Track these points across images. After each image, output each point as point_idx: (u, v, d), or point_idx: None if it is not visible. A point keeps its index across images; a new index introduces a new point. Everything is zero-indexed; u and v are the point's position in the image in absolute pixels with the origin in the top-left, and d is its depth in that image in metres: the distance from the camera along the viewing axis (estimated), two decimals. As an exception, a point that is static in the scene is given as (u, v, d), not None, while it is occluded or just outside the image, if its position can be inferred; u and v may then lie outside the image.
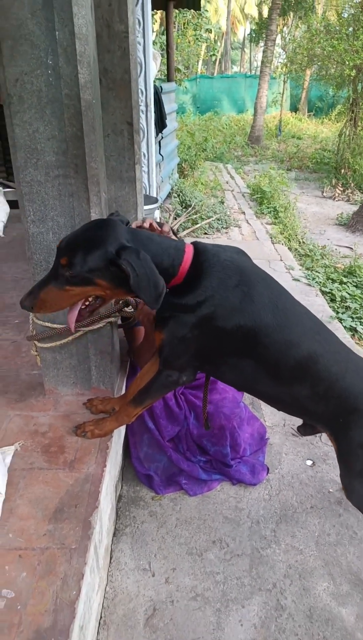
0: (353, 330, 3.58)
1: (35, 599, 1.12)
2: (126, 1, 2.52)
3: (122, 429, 1.96)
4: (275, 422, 2.42)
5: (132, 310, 1.81)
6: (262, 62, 13.83)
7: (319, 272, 4.52)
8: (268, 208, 6.76)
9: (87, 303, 1.40)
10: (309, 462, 2.18)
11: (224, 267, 1.40)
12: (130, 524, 1.85)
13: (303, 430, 1.79)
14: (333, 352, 1.48)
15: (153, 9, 6.61)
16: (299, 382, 1.47)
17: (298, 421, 2.19)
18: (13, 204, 4.27)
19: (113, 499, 1.76)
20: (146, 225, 1.61)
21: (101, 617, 1.51)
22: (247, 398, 2.43)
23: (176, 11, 10.02)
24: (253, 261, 1.55)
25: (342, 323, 3.58)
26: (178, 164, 8.37)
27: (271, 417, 2.43)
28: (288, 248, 5.30)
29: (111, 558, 1.69)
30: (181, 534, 1.82)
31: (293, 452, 2.24)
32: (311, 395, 1.48)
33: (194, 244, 1.45)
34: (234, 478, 2.02)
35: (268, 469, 2.10)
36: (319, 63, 10.21)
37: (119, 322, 1.94)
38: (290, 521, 1.89)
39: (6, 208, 4.07)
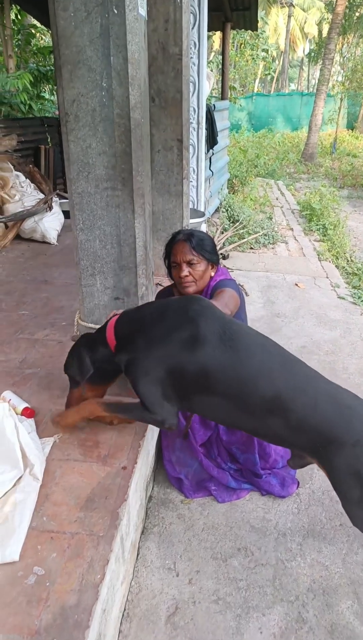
0: (398, 351, 3.48)
1: (63, 578, 1.20)
2: (182, 26, 2.67)
3: (156, 430, 2.03)
4: (309, 437, 2.40)
5: None
6: (319, 80, 13.80)
7: (366, 291, 4.44)
8: (317, 225, 6.71)
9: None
10: (341, 479, 2.15)
11: (151, 315, 1.59)
12: (158, 524, 1.90)
13: (292, 463, 1.77)
14: (301, 382, 1.48)
15: (210, 30, 6.82)
16: (270, 414, 1.48)
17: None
18: (67, 215, 4.52)
19: (143, 497, 1.83)
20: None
21: (125, 610, 1.56)
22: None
23: (234, 31, 10.24)
24: (204, 302, 1.60)
25: (386, 343, 3.50)
26: (229, 180, 8.48)
27: (305, 432, 2.43)
28: (335, 266, 5.23)
29: (137, 554, 1.75)
30: (207, 538, 1.85)
31: (325, 468, 2.22)
32: (285, 426, 1.48)
33: (119, 315, 1.68)
34: (263, 489, 2.03)
35: (298, 482, 2.10)
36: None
37: None
38: (317, 537, 1.88)
39: (61, 218, 4.31)
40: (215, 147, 5.52)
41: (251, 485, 2.05)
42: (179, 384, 1.52)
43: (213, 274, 1.98)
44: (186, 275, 1.88)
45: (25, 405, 1.80)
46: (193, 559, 1.76)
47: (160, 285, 2.36)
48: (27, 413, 1.77)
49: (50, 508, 1.41)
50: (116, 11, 1.39)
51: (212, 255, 1.94)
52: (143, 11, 1.49)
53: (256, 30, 8.38)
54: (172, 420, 1.57)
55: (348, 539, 1.87)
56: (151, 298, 1.84)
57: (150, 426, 1.83)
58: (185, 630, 1.53)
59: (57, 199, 4.58)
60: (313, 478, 2.16)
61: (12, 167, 4.28)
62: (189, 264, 1.88)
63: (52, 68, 8.88)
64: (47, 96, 10.61)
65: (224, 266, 4.21)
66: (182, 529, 1.88)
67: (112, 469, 1.57)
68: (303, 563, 1.77)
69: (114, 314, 1.70)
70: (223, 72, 6.94)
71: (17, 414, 1.71)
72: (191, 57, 4.19)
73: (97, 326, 1.80)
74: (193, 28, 4.08)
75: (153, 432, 1.92)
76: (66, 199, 4.73)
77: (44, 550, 1.28)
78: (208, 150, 5.18)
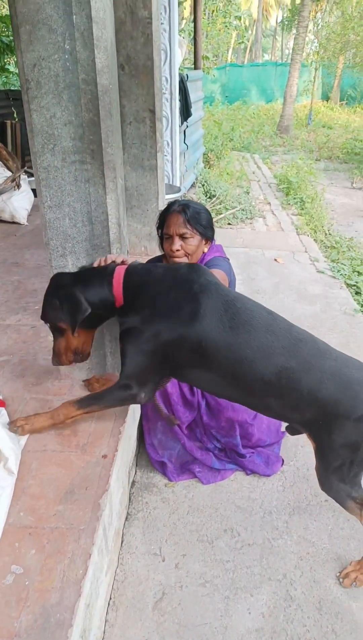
0: (377, 324, 3.49)
1: (43, 576, 1.15)
2: (150, -14, 2.50)
3: (137, 414, 1.98)
4: (292, 414, 2.39)
5: None
6: (293, 49, 13.51)
7: (345, 265, 4.42)
8: (294, 199, 6.64)
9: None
10: (325, 455, 2.15)
11: (154, 287, 1.51)
12: (142, 509, 1.86)
13: (291, 431, 1.74)
14: (303, 362, 1.45)
15: (181, -4, 6.53)
16: (268, 394, 1.47)
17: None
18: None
19: (125, 484, 1.78)
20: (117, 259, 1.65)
21: (110, 598, 1.53)
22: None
23: (206, -2, 9.87)
24: (209, 276, 1.56)
25: (366, 316, 3.50)
26: (204, 154, 8.30)
27: (288, 409, 2.41)
28: (314, 239, 5.20)
29: (122, 541, 1.72)
30: (193, 521, 1.82)
31: (309, 445, 2.19)
32: (284, 405, 1.49)
33: (129, 266, 1.57)
34: (248, 468, 2.01)
35: (282, 460, 2.09)
36: (353, 49, 9.92)
37: None
38: (303, 513, 1.87)
39: (31, 196, 4.13)
40: (189, 120, 5.35)
41: (236, 465, 2.03)
42: (174, 357, 1.51)
43: (206, 249, 1.90)
44: (178, 250, 1.79)
45: (-3, 395, 1.72)
46: (178, 543, 1.73)
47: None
48: None
49: (27, 502, 1.34)
50: None
51: (207, 230, 1.84)
52: (106, -37, 1.36)
53: (229, -4, 8.07)
54: (146, 395, 1.55)
55: (334, 514, 1.87)
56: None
57: (131, 410, 1.77)
58: (173, 615, 1.51)
59: (26, 176, 4.39)
60: (297, 455, 2.15)
61: (-24, 143, 4.06)
62: (182, 237, 1.79)
63: (16, 37, 8.43)
64: (12, 69, 10.13)
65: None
66: (167, 513, 1.85)
67: (92, 457, 1.51)
68: (290, 541, 1.76)
69: (113, 262, 1.60)
70: (195, 41, 6.68)
71: (-11, 404, 1.62)
72: (162, 23, 3.99)
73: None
74: (162, -9, 3.88)
75: (134, 416, 1.87)
76: (36, 176, 4.53)
77: (22, 548, 1.22)
78: (182, 123, 5.01)
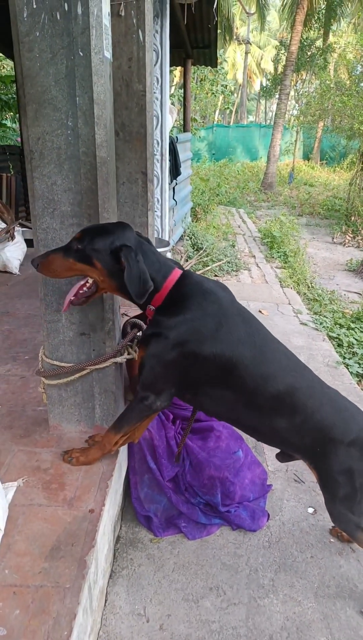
0: (360, 377, 3.58)
1: (27, 638, 1.13)
2: (145, 64, 2.74)
3: (123, 467, 1.98)
4: (278, 467, 2.41)
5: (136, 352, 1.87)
6: (276, 114, 14.44)
7: (327, 317, 4.57)
8: (278, 252, 6.90)
9: (85, 288, 1.55)
10: (310, 510, 2.16)
11: (205, 295, 1.54)
12: (127, 566, 1.83)
13: (281, 458, 1.83)
14: (308, 387, 1.58)
15: (171, 66, 7.04)
16: (276, 414, 1.56)
17: (300, 465, 2.20)
18: (30, 243, 4.46)
19: (111, 539, 1.77)
20: None
21: (92, 663, 1.48)
22: (250, 441, 2.44)
23: (194, 67, 10.62)
24: (235, 298, 1.66)
25: (348, 369, 3.59)
26: (192, 208, 8.64)
27: (274, 462, 2.43)
28: (297, 292, 5.38)
29: (106, 600, 1.68)
30: (178, 579, 1.80)
31: (294, 499, 2.22)
32: (288, 427, 1.57)
33: (183, 270, 1.60)
34: (234, 523, 2.01)
35: (268, 515, 2.09)
36: (330, 117, 10.65)
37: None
38: (289, 570, 1.86)
39: (24, 247, 4.25)
40: (178, 177, 5.63)
41: (222, 520, 2.02)
42: (193, 373, 1.55)
43: None
44: None
45: (-14, 447, 1.72)
46: (163, 602, 1.70)
47: (126, 315, 2.35)
48: (-12, 455, 1.69)
49: (13, 559, 1.33)
50: (81, 54, 1.41)
51: None
52: (108, 54, 1.52)
53: (216, 67, 8.73)
54: (162, 404, 1.59)
55: (320, 571, 1.86)
56: (118, 332, 1.81)
57: (118, 464, 1.78)
58: None
59: (20, 228, 4.52)
60: (283, 509, 2.15)
61: (-28, 195, 4.20)
62: None
63: (14, 96, 8.89)
64: (8, 124, 10.60)
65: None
66: (152, 570, 1.82)
67: (78, 512, 1.51)
68: (276, 600, 1.74)
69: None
70: (184, 106, 7.15)
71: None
72: (154, 92, 4.29)
73: (63, 364, 1.76)
74: (155, 65, 4.20)
75: (120, 471, 1.88)
76: (29, 227, 4.67)
77: (6, 607, 1.20)
78: (171, 181, 5.27)
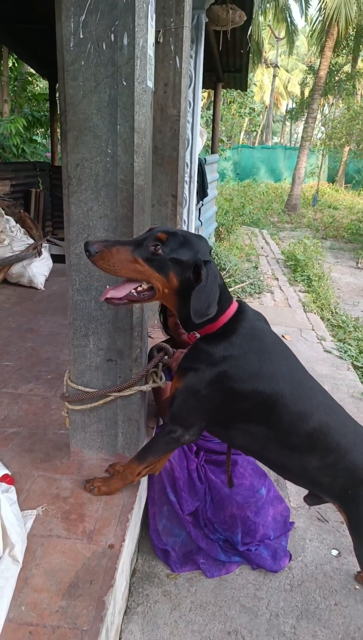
0: (385, 409, 3.47)
1: None
2: (181, 90, 2.76)
3: (143, 498, 1.93)
4: (300, 503, 2.32)
5: (162, 381, 1.84)
6: (302, 137, 14.51)
7: (351, 345, 4.47)
8: (302, 276, 6.83)
9: (136, 291, 1.39)
10: (335, 552, 2.06)
11: (254, 331, 1.48)
12: (143, 602, 1.77)
13: (310, 500, 1.76)
14: (342, 425, 1.52)
15: (203, 89, 7.14)
16: (309, 452, 1.50)
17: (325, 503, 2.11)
18: (55, 259, 4.50)
19: (128, 575, 1.71)
20: None
21: None
22: (272, 474, 2.36)
23: (224, 90, 10.77)
24: (271, 329, 1.61)
25: (373, 401, 3.48)
26: (215, 228, 8.66)
27: (296, 498, 2.34)
28: (321, 317, 5.29)
29: (120, 639, 1.62)
30: (195, 620, 1.72)
31: (318, 539, 2.13)
32: (320, 466, 1.51)
33: (239, 302, 1.53)
34: (254, 562, 1.93)
35: (290, 555, 2.00)
36: (356, 141, 10.64)
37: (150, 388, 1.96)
38: (311, 618, 1.77)
39: (50, 263, 4.29)
40: (205, 199, 5.65)
41: (242, 558, 1.95)
42: (229, 408, 1.49)
43: None
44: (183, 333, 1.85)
45: (5, 471, 1.69)
46: (179, 645, 1.63)
47: (150, 337, 2.32)
48: (7, 481, 1.66)
49: (29, 595, 1.29)
50: (125, 83, 1.41)
51: None
52: (150, 83, 1.52)
53: (246, 91, 8.84)
54: (190, 438, 1.55)
55: (344, 621, 1.77)
56: (145, 359, 1.78)
57: (138, 496, 1.73)
58: None
59: (47, 244, 4.57)
60: (306, 550, 2.06)
61: (2, 211, 4.27)
62: None
63: (46, 113, 9.12)
64: (39, 140, 10.86)
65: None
66: (168, 609, 1.76)
67: (98, 547, 1.46)
68: (298, 650, 1.65)
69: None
70: (213, 128, 7.23)
71: (-3, 481, 1.60)
72: (187, 116, 4.34)
73: (88, 389, 1.73)
74: (188, 89, 4.24)
75: (140, 503, 1.83)
76: (55, 244, 4.72)
77: (21, 648, 1.15)
78: (198, 202, 5.28)
